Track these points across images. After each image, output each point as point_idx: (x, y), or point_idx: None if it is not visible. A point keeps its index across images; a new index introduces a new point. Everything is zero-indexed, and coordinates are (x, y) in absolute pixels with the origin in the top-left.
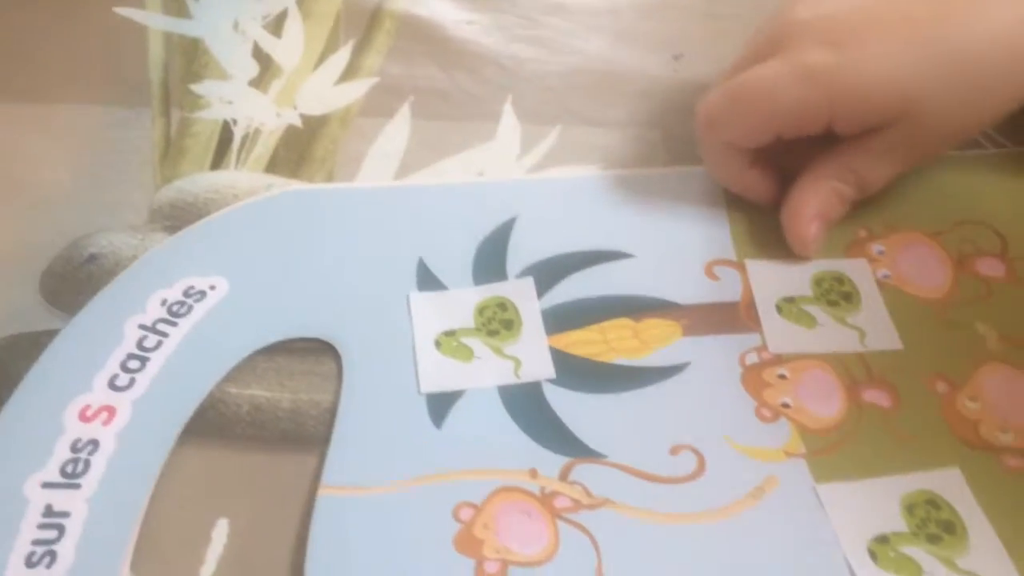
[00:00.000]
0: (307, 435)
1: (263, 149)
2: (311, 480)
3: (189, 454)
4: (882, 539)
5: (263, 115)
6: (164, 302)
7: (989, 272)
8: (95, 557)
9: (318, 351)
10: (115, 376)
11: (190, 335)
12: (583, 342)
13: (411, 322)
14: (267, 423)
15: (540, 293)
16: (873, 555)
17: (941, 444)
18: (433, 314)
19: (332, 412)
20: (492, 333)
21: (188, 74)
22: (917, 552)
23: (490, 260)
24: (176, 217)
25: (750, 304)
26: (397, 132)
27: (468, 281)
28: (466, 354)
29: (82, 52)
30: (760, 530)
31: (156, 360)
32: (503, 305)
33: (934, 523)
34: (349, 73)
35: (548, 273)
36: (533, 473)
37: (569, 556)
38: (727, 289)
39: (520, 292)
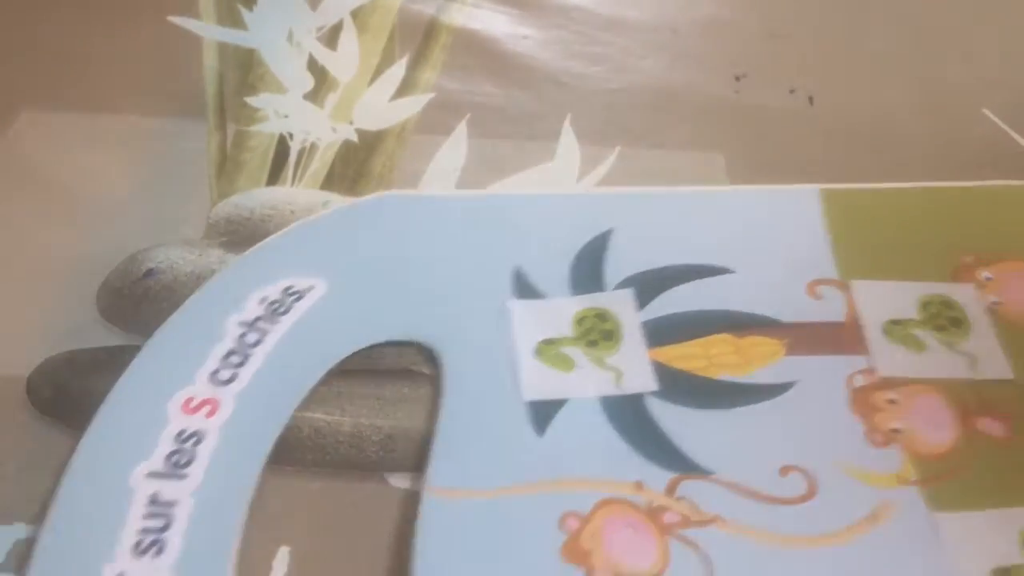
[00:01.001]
0: (367, 461)
1: (319, 164)
2: (372, 507)
3: None
4: (1003, 571)
5: (319, 129)
6: (263, 300)
7: None
8: (204, 546)
9: (379, 375)
10: (216, 371)
11: (289, 333)
12: (685, 356)
13: (510, 330)
14: (327, 447)
15: (640, 305)
16: None
17: None
18: (532, 322)
19: (392, 438)
20: (592, 343)
21: (243, 86)
22: None
23: (588, 271)
24: (233, 232)
25: (854, 325)
26: (454, 150)
27: (566, 291)
28: (567, 364)
29: (137, 62)
30: (875, 556)
31: (257, 356)
32: (602, 316)
33: None
34: (405, 88)
35: (647, 285)
36: (638, 486)
37: (680, 572)
38: (830, 309)
39: (620, 303)
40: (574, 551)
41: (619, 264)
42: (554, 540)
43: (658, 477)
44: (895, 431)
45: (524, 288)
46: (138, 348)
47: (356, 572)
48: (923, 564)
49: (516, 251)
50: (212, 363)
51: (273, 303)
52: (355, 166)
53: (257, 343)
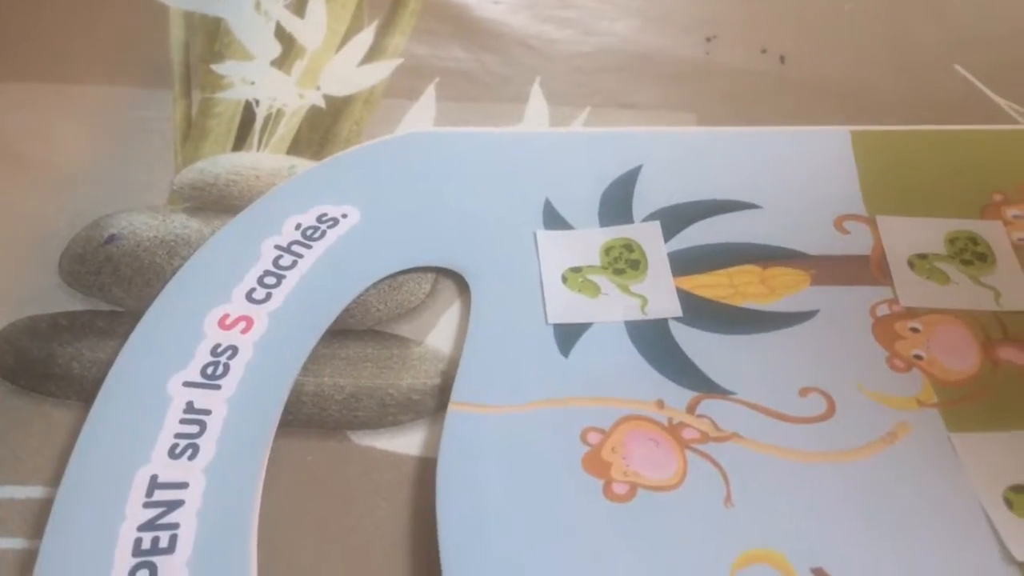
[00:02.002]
0: (330, 419)
1: (286, 130)
2: (334, 463)
3: None
4: (1019, 488)
5: (286, 96)
6: (299, 226)
7: None
8: (236, 453)
9: (344, 335)
10: (252, 290)
11: (324, 257)
12: (710, 285)
13: (538, 257)
14: (290, 406)
15: (667, 237)
16: (1009, 503)
17: None
18: (559, 251)
19: (355, 396)
20: (618, 272)
21: (210, 54)
22: None
23: (616, 204)
24: (197, 198)
25: (881, 258)
26: (422, 114)
27: (594, 223)
28: (593, 290)
29: (103, 33)
30: (891, 473)
31: (291, 278)
32: (629, 246)
33: None
34: (373, 54)
35: (675, 218)
36: (660, 404)
37: (698, 483)
38: (857, 243)
39: (647, 234)
40: (595, 462)
41: (647, 198)
42: (575, 452)
43: (679, 396)
44: (917, 357)
45: (553, 219)
46: (100, 313)
47: (319, 526)
48: (940, 480)
49: (546, 184)
50: (248, 283)
51: (308, 228)
52: (322, 131)
53: (292, 265)
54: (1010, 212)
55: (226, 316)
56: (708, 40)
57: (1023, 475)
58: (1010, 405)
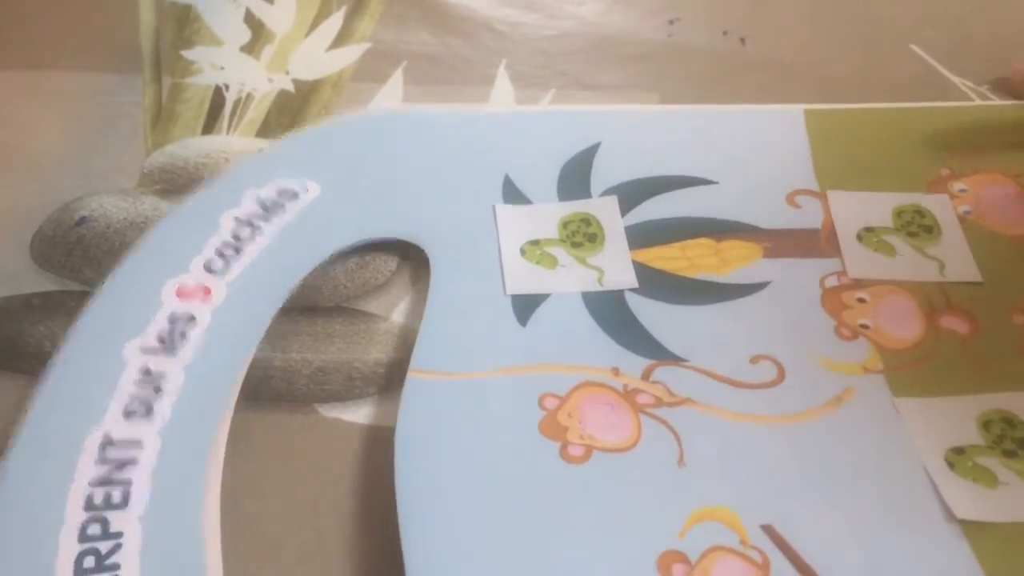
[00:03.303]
0: (298, 393)
1: (255, 114)
2: (303, 435)
3: None
4: (959, 450)
5: (255, 80)
6: (258, 199)
7: None
8: (192, 417)
9: (312, 312)
10: (211, 260)
11: (284, 229)
12: (665, 257)
13: (497, 231)
14: (258, 381)
15: (623, 212)
16: (950, 464)
17: (1018, 370)
18: (518, 225)
19: (322, 371)
20: (576, 245)
21: (179, 40)
22: (993, 463)
23: (574, 179)
24: (167, 181)
25: (831, 232)
26: (390, 96)
27: (553, 198)
28: (550, 262)
29: (73, 19)
30: (838, 435)
31: (250, 250)
32: (587, 220)
33: (1010, 439)
34: (342, 39)
35: (632, 194)
36: (616, 371)
37: (651, 445)
38: (808, 217)
39: (604, 209)
40: (551, 426)
41: (605, 174)
42: (532, 417)
43: (634, 363)
44: (863, 326)
45: (512, 194)
46: (71, 293)
47: (286, 496)
48: (884, 442)
49: (506, 161)
50: (207, 254)
51: (268, 201)
52: (291, 114)
53: (251, 237)
54: (956, 186)
55: (184, 286)
56: (671, 23)
57: (963, 437)
58: (952, 371)
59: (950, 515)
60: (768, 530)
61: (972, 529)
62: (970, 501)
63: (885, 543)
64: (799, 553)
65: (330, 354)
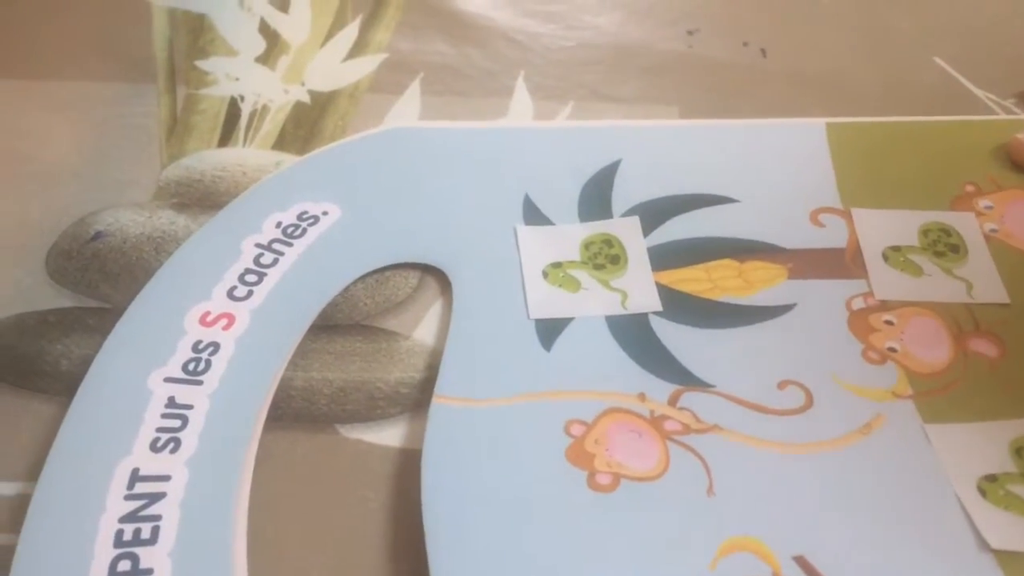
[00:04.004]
0: (319, 413)
1: (271, 126)
2: (324, 456)
3: None
4: (991, 478)
5: (271, 92)
6: (279, 224)
7: None
8: (218, 446)
9: (332, 330)
10: (233, 288)
11: (305, 254)
12: (689, 279)
13: (519, 253)
14: (279, 401)
15: (646, 232)
16: (983, 492)
17: None
18: (540, 246)
19: (343, 391)
20: (599, 267)
21: (194, 51)
22: None
23: (596, 199)
24: (183, 195)
25: (856, 251)
26: (407, 108)
27: (574, 218)
28: (573, 285)
29: (87, 29)
30: (868, 462)
31: (272, 276)
32: (609, 241)
33: None
34: (358, 49)
35: (654, 213)
36: (642, 397)
37: (680, 473)
38: (832, 236)
39: (626, 229)
40: (578, 454)
41: (626, 193)
42: (559, 444)
43: (661, 389)
44: (891, 350)
45: (533, 214)
46: (89, 310)
47: (307, 518)
48: (915, 469)
49: (525, 180)
50: (229, 281)
51: (289, 227)
52: (307, 126)
53: (273, 263)
54: (982, 203)
55: (207, 313)
56: (690, 33)
57: (996, 464)
58: (982, 396)
59: (984, 545)
60: (801, 561)
61: (1007, 559)
62: (1004, 530)
63: (917, 573)
64: None
65: (351, 373)
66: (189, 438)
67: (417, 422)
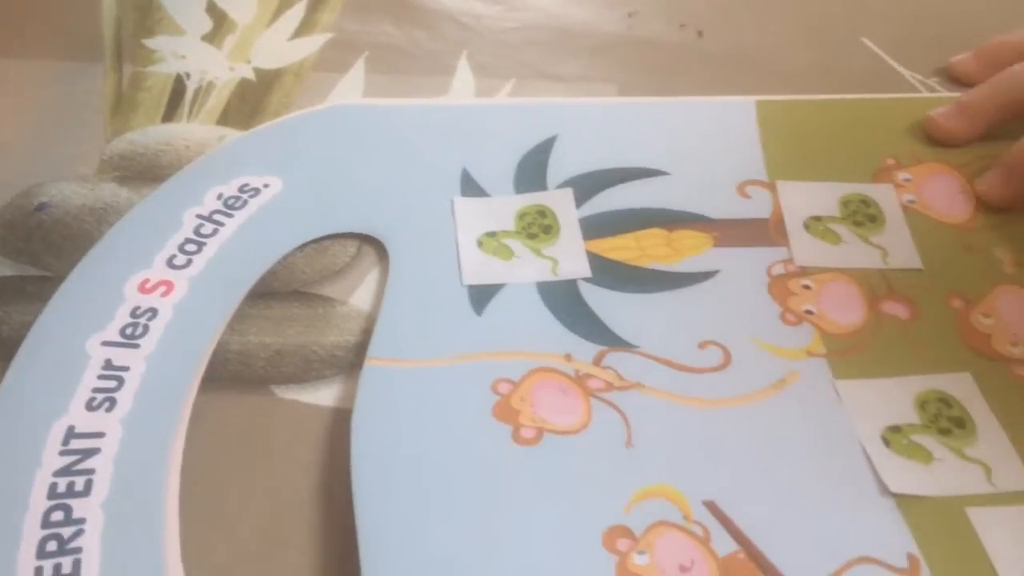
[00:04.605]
0: (255, 375)
1: (216, 102)
2: (259, 417)
3: None
4: (895, 429)
5: (216, 69)
6: (220, 196)
7: None
8: (153, 405)
9: (270, 297)
10: (173, 256)
11: (245, 225)
12: (618, 248)
13: (454, 223)
14: (216, 363)
15: (578, 203)
16: (886, 441)
17: (954, 353)
18: (475, 217)
19: (280, 354)
20: (532, 236)
21: (141, 29)
22: (928, 440)
23: (531, 172)
24: (126, 168)
25: (779, 221)
26: (351, 86)
27: (510, 190)
28: (506, 253)
29: (34, 7)
30: (780, 416)
31: (212, 245)
32: (543, 212)
33: (945, 418)
34: (304, 29)
35: (586, 185)
36: (568, 357)
37: (601, 428)
38: (758, 207)
39: (559, 201)
40: (504, 410)
41: (561, 167)
42: (486, 401)
43: (586, 350)
44: (808, 312)
45: (470, 187)
46: (28, 278)
47: (241, 475)
48: (824, 422)
49: (464, 155)
50: (169, 250)
51: (230, 198)
52: (252, 103)
53: (213, 233)
54: (901, 175)
55: (146, 280)
56: (630, 15)
57: (900, 416)
58: (891, 354)
59: (885, 489)
60: (710, 506)
61: (905, 502)
62: (904, 476)
63: (821, 516)
64: (739, 527)
65: (288, 337)
66: (124, 397)
67: (351, 383)
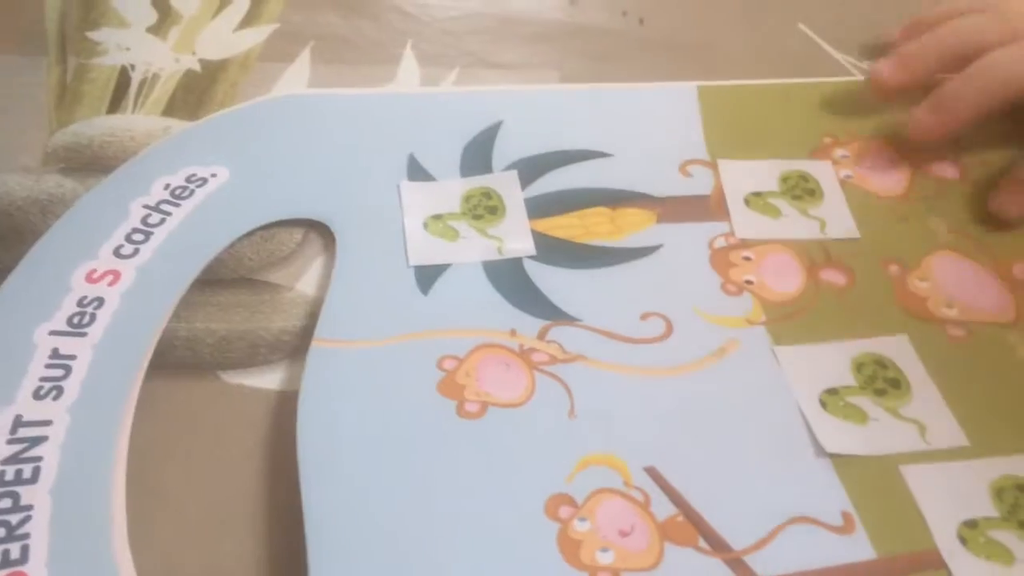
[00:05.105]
0: (202, 361)
1: (160, 93)
2: (206, 402)
3: None
4: (832, 391)
5: (161, 61)
6: (167, 186)
7: (943, 174)
8: (100, 393)
9: (217, 284)
10: (120, 246)
11: (192, 214)
12: (562, 226)
13: (401, 207)
14: (163, 351)
15: (523, 185)
16: (823, 404)
17: (891, 316)
18: (422, 200)
19: (227, 340)
20: (477, 217)
21: (85, 22)
22: (864, 401)
23: (477, 157)
24: (71, 160)
25: (720, 197)
26: (297, 76)
27: (456, 175)
28: (452, 234)
29: None
30: (721, 382)
31: (159, 234)
32: (488, 194)
33: (881, 379)
34: (249, 20)
35: (532, 168)
36: (512, 332)
37: (544, 399)
38: (699, 184)
39: (505, 183)
40: (449, 386)
41: (507, 151)
42: (431, 378)
43: (530, 325)
44: (748, 282)
45: (417, 172)
46: None
47: (188, 459)
48: (763, 386)
49: (411, 141)
50: (116, 240)
51: (177, 188)
52: (197, 93)
53: (160, 223)
54: (839, 152)
55: (93, 271)
56: (572, 3)
57: (837, 379)
58: (829, 320)
59: (821, 450)
60: (651, 471)
61: (841, 462)
62: (840, 436)
63: (759, 478)
64: (678, 491)
65: (234, 323)
66: (72, 386)
67: (298, 366)
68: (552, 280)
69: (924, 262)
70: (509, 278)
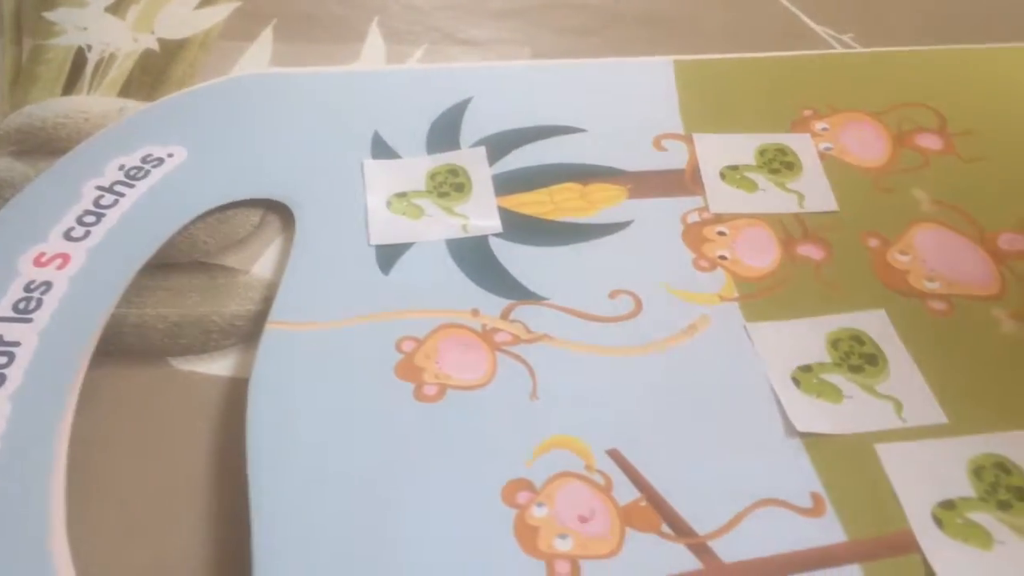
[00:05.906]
0: (153, 348)
1: (117, 73)
2: (156, 388)
3: None
4: (806, 368)
5: (119, 40)
6: (122, 167)
7: (927, 145)
8: (42, 380)
9: (168, 268)
10: (71, 229)
11: (147, 194)
12: (531, 203)
13: (364, 185)
14: (110, 338)
15: (491, 161)
16: (796, 382)
17: (869, 290)
18: (385, 178)
19: (178, 325)
20: (443, 195)
21: (43, 3)
22: (838, 378)
23: (444, 134)
24: (23, 142)
25: (694, 171)
26: (259, 55)
27: (422, 152)
28: (416, 212)
29: None
30: (689, 362)
31: (112, 216)
32: (454, 171)
33: (856, 355)
34: None
35: (500, 144)
36: (475, 312)
37: (505, 381)
38: (674, 159)
39: (471, 159)
40: (407, 368)
41: (475, 128)
42: (388, 360)
43: (494, 304)
44: (722, 258)
45: (382, 150)
46: None
47: (136, 448)
48: (734, 366)
49: (375, 119)
50: (67, 223)
51: (132, 169)
52: (154, 73)
53: (113, 204)
54: (818, 125)
55: (42, 254)
56: None
57: (811, 356)
58: (805, 296)
59: (792, 430)
60: (613, 454)
61: (812, 442)
62: (813, 415)
63: (726, 460)
64: (642, 474)
65: (186, 308)
66: (14, 373)
67: (251, 352)
68: (519, 258)
69: (905, 234)
70: (473, 257)
